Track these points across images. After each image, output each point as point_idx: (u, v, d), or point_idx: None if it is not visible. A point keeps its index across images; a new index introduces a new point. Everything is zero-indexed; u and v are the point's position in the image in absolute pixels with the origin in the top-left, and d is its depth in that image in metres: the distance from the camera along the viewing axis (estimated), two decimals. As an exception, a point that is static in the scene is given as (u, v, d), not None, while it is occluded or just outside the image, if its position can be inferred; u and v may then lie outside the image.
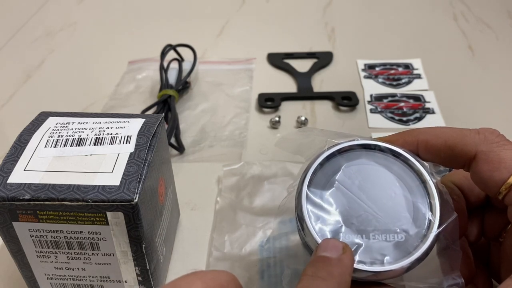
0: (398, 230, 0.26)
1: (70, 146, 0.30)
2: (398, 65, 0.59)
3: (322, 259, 0.24)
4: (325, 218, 0.27)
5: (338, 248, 0.25)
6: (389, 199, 0.27)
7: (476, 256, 0.30)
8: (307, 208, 0.27)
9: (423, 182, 0.27)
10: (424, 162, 0.28)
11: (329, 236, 0.26)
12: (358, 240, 0.26)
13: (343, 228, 0.26)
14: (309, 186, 0.28)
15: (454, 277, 0.26)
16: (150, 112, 0.49)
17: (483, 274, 0.30)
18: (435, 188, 0.27)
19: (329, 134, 0.30)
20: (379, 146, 0.29)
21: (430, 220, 0.26)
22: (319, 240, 0.26)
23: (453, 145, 0.27)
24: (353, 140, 0.29)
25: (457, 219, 0.26)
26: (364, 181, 0.28)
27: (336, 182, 0.28)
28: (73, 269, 0.31)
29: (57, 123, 0.32)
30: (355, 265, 0.25)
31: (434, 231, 0.26)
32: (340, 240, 0.26)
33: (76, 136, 0.31)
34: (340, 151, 0.29)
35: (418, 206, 0.27)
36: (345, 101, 0.52)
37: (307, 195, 0.27)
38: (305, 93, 0.54)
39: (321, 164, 0.28)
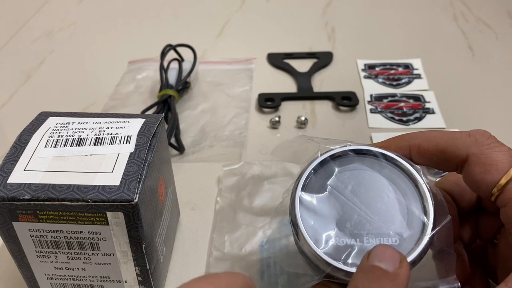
0: (392, 233, 0.26)
1: (70, 146, 0.30)
2: (398, 65, 0.59)
3: (377, 270, 0.22)
4: (318, 223, 0.27)
5: (395, 260, 0.22)
6: (383, 202, 0.27)
7: (473, 258, 0.30)
8: (300, 213, 0.27)
9: (416, 185, 0.28)
10: (416, 165, 0.28)
11: (323, 241, 0.26)
12: (351, 243, 0.26)
13: (337, 232, 0.26)
14: (302, 191, 0.28)
15: (450, 280, 0.26)
16: (150, 112, 0.49)
17: (480, 275, 0.30)
18: (428, 191, 0.27)
19: (323, 140, 0.30)
20: (371, 151, 0.29)
21: (424, 223, 0.26)
22: (313, 245, 0.26)
23: (444, 149, 0.27)
24: (346, 145, 0.29)
25: (451, 221, 0.26)
26: (357, 186, 0.28)
27: (329, 187, 0.28)
28: (73, 269, 0.31)
29: (57, 123, 0.32)
30: (349, 268, 0.25)
31: (428, 233, 0.26)
32: (333, 243, 0.26)
33: (76, 136, 0.31)
34: (333, 157, 0.29)
35: (412, 209, 0.27)
36: (345, 101, 0.52)
37: (300, 200, 0.27)
38: (305, 93, 0.54)
39: (315, 170, 0.29)
